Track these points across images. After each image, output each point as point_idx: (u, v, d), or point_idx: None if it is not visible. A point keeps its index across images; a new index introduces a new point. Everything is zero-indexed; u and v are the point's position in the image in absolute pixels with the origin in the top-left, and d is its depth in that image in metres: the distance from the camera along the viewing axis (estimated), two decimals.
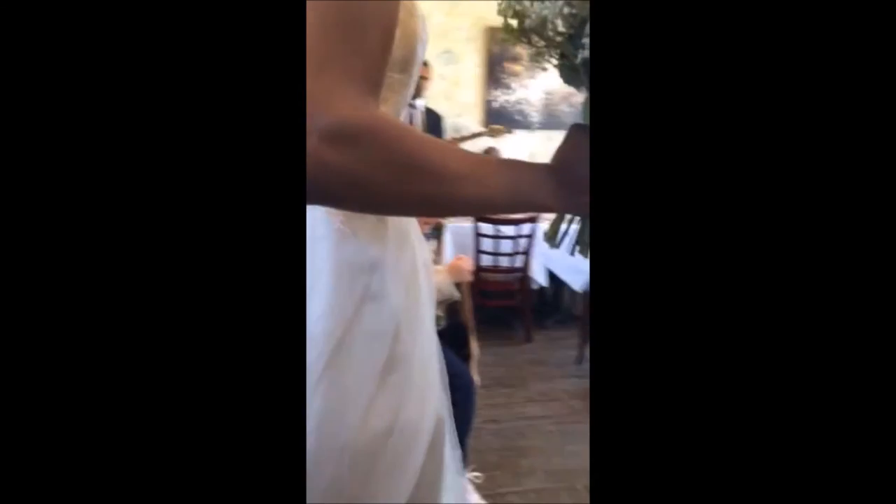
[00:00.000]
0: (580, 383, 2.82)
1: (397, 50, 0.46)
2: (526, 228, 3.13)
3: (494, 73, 4.39)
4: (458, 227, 3.16)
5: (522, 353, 3.24)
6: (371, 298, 0.51)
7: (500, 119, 4.11)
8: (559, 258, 3.11)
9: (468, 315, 2.05)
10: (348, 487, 0.51)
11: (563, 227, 0.55)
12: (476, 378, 1.81)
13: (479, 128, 3.91)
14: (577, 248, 0.55)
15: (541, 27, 0.46)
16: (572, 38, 0.46)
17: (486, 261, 3.21)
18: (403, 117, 0.68)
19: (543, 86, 4.30)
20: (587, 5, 0.44)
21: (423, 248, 0.59)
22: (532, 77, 4.32)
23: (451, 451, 0.63)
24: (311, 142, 0.34)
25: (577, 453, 2.17)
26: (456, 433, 0.66)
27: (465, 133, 3.35)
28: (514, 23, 0.49)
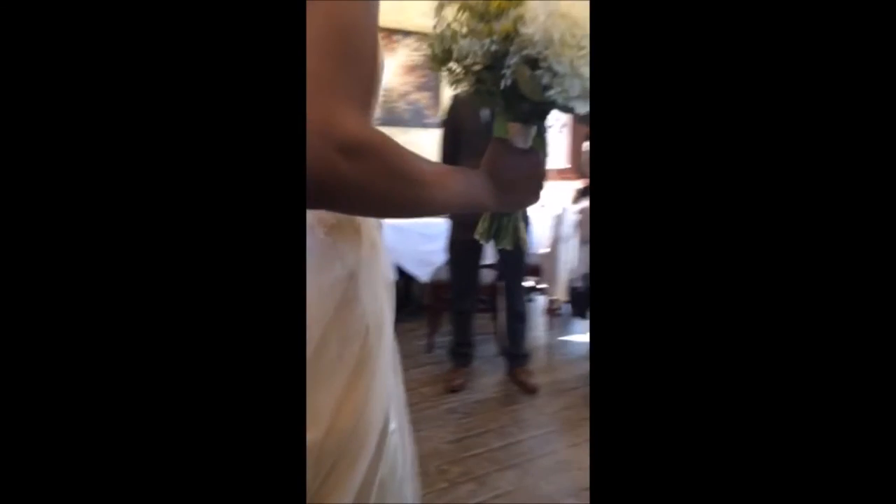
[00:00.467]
0: (431, 370, 2.96)
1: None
2: None
3: None
4: None
5: None
6: (346, 303, 0.54)
7: None
8: (406, 252, 3.21)
9: None
10: (309, 486, 0.52)
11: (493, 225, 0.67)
12: None
13: None
14: (500, 241, 0.67)
15: (469, 61, 0.54)
16: (492, 69, 0.54)
17: None
18: None
19: (381, 84, 4.34)
20: (508, 44, 0.52)
21: (387, 258, 0.63)
22: None
23: (402, 456, 0.64)
24: (327, 153, 0.38)
25: (429, 438, 2.28)
26: (411, 438, 0.70)
27: None
28: (440, 54, 0.56)
